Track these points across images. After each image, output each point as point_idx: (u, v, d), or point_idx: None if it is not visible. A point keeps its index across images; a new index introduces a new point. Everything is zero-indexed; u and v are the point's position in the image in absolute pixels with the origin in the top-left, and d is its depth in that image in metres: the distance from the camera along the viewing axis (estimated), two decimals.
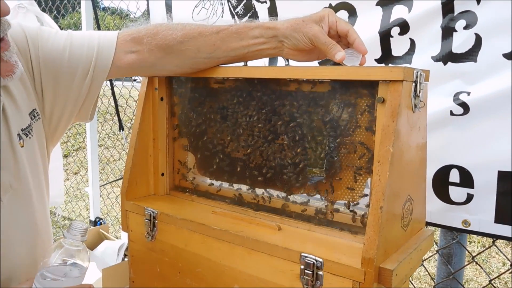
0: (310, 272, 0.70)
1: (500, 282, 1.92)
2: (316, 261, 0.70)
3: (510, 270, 1.06)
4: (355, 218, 0.79)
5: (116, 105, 2.03)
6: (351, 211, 0.79)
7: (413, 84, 0.69)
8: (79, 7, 2.31)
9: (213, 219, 0.90)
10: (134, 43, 0.87)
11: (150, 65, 0.89)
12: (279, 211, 0.89)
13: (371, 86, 0.73)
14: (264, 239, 0.78)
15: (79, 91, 0.86)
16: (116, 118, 2.14)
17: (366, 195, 0.77)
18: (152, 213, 0.95)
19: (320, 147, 0.81)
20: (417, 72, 0.70)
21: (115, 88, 2.06)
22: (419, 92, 0.70)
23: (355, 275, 0.66)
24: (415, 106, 0.71)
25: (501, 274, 1.21)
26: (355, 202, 0.79)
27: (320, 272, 0.70)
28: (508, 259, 1.03)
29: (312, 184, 0.84)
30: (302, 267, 0.71)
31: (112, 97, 2.03)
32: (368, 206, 0.77)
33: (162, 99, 1.03)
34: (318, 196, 0.84)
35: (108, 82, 2.01)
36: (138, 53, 0.87)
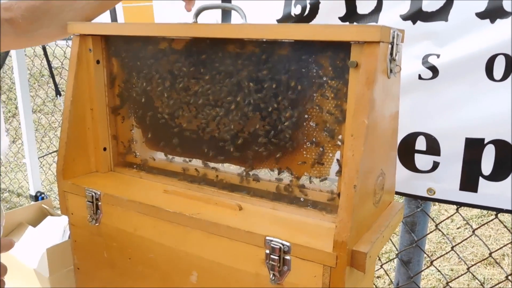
0: (277, 257, 0.64)
1: (459, 249, 2.01)
2: (283, 245, 0.63)
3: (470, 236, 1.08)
4: (323, 195, 0.73)
5: (50, 68, 1.80)
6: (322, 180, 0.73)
7: (390, 45, 0.61)
8: None
9: (165, 199, 0.80)
10: (5, 10, 0.84)
11: (27, 31, 0.86)
12: (239, 187, 0.80)
13: (341, 47, 0.65)
14: (224, 222, 0.69)
15: None
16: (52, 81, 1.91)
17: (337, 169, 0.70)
18: (94, 194, 0.84)
19: (282, 116, 0.72)
20: (394, 32, 0.62)
21: (47, 48, 1.82)
22: (395, 55, 0.63)
23: (326, 260, 0.60)
24: (391, 71, 0.63)
25: (463, 241, 1.24)
26: (322, 177, 0.72)
27: (288, 257, 0.63)
28: (471, 226, 1.04)
29: (274, 157, 0.76)
30: (268, 251, 0.65)
31: (44, 58, 1.79)
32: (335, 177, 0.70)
33: (98, 62, 0.88)
34: (282, 171, 0.76)
35: None
36: (11, 21, 0.84)
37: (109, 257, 0.87)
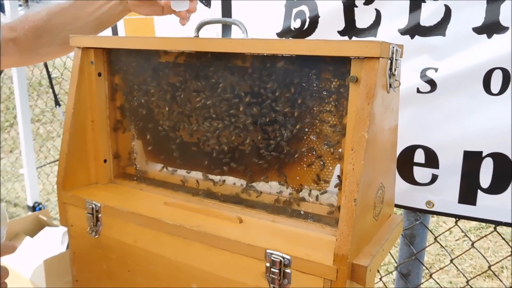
0: (277, 271, 0.64)
1: (457, 261, 2.00)
2: (284, 258, 0.63)
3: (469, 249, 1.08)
4: (323, 208, 0.73)
5: (50, 78, 1.80)
6: (322, 192, 0.73)
7: (389, 61, 0.62)
8: None
9: (166, 211, 0.80)
10: (10, 30, 0.89)
11: (30, 50, 0.91)
12: (239, 200, 0.81)
13: (342, 62, 0.66)
14: (224, 235, 0.69)
15: None
16: (51, 91, 1.91)
17: (337, 182, 0.71)
18: (94, 206, 0.84)
19: (282, 130, 0.73)
20: (393, 47, 0.63)
21: None
22: (395, 70, 0.64)
23: (326, 273, 0.60)
24: (390, 85, 0.64)
25: (462, 254, 1.24)
26: (322, 191, 0.73)
27: (288, 270, 0.63)
28: (470, 239, 1.05)
29: (275, 171, 0.76)
30: (268, 264, 0.65)
31: (44, 68, 1.80)
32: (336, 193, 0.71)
33: (100, 74, 0.89)
34: (282, 184, 0.76)
35: None
36: (15, 40, 0.89)
37: (109, 269, 0.87)
